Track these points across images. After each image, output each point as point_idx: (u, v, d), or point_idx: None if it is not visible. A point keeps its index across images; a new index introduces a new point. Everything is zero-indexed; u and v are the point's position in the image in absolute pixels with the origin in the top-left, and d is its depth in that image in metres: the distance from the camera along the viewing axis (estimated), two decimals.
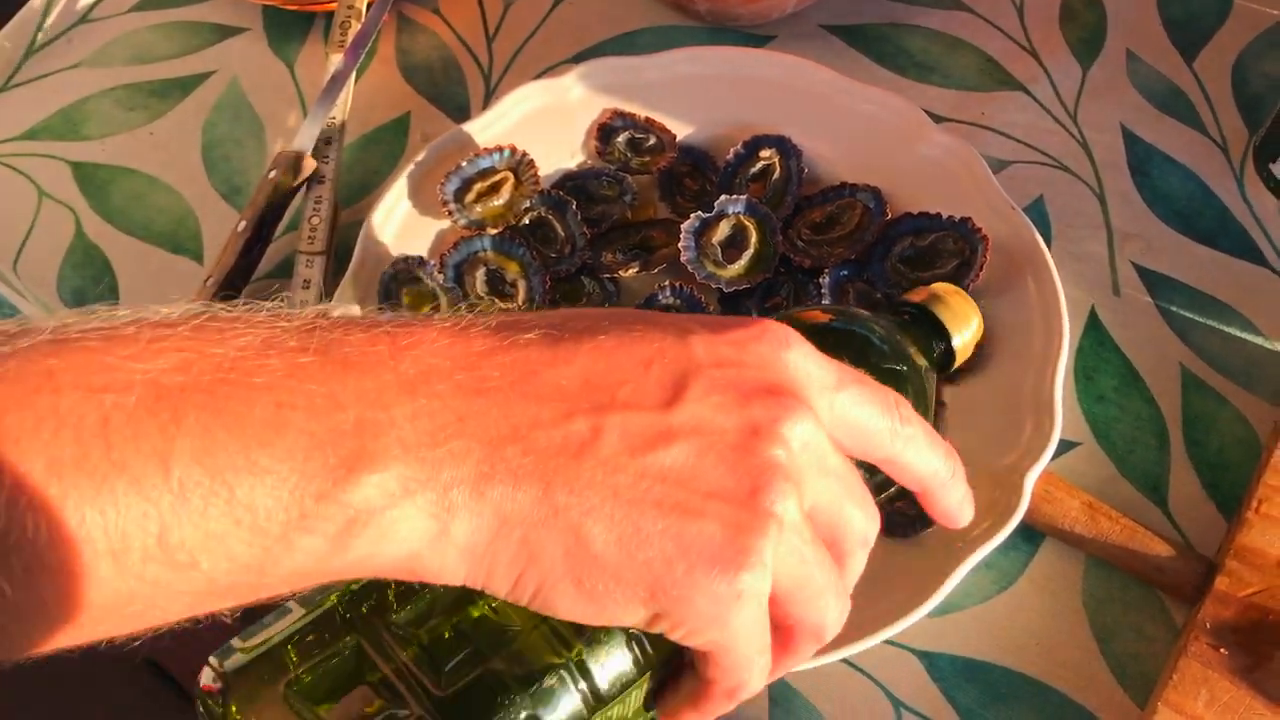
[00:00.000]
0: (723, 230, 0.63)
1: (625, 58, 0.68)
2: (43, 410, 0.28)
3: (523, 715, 0.34)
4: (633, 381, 0.34)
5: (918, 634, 0.54)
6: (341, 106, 0.69)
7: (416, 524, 0.31)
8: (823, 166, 0.66)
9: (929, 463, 0.39)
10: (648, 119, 0.68)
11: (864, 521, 0.37)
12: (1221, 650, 0.51)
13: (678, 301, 0.61)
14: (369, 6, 0.73)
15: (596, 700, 0.36)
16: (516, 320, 0.35)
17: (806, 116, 0.67)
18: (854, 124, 0.66)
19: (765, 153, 0.66)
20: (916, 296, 0.53)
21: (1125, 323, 0.63)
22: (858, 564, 0.38)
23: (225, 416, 0.29)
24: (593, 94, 0.68)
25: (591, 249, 0.64)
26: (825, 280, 0.61)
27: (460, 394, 0.32)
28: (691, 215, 0.62)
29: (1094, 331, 0.62)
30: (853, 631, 0.50)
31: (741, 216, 0.63)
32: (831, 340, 0.43)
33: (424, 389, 0.32)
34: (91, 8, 0.80)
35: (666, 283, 0.61)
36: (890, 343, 0.47)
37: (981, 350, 0.58)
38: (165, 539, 0.29)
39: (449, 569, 0.32)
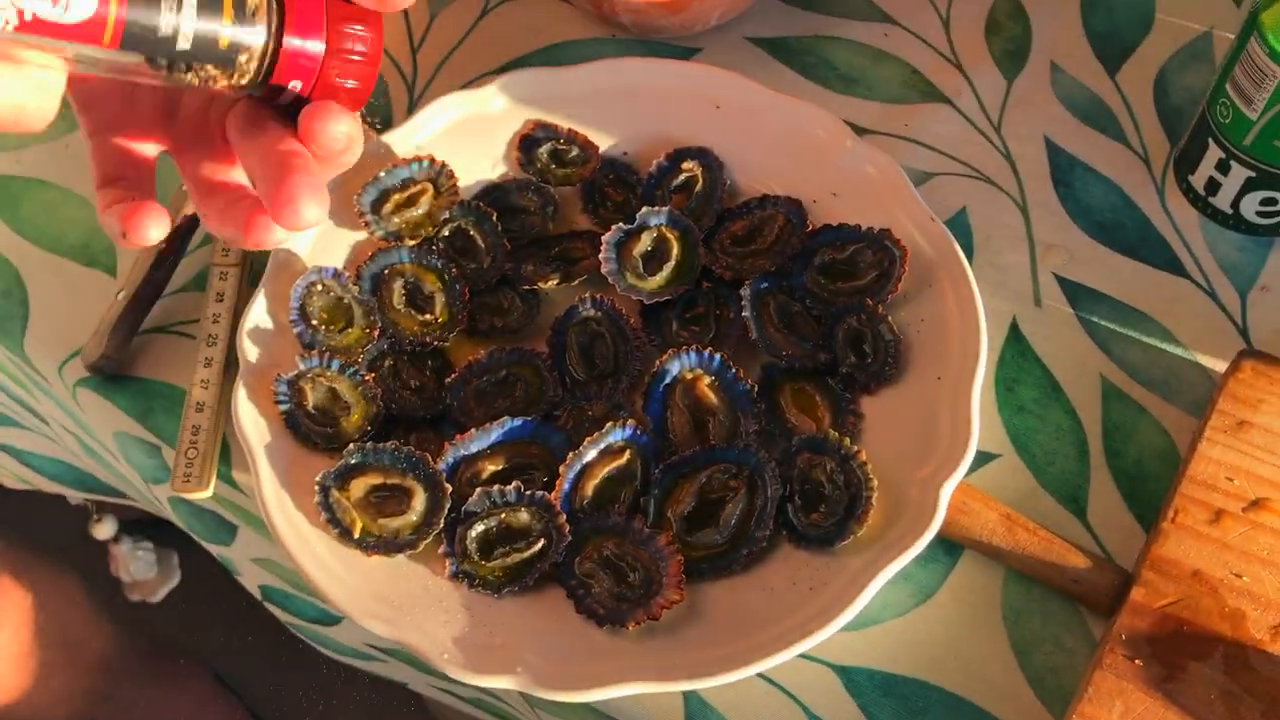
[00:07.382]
0: (644, 242, 0.62)
1: (548, 69, 0.68)
2: None
3: None
4: None
5: (835, 648, 0.54)
6: None
7: None
8: (745, 179, 0.66)
9: None
10: (570, 130, 0.67)
11: None
12: (1136, 662, 0.50)
13: (598, 313, 0.60)
14: None
15: None
16: None
17: (729, 129, 0.66)
18: (777, 136, 0.66)
19: (688, 165, 0.65)
20: None
21: (1046, 334, 0.62)
22: None
23: None
24: (515, 105, 0.67)
25: (512, 260, 0.64)
26: (746, 292, 0.60)
27: None
28: (613, 227, 0.62)
29: (1015, 342, 0.62)
30: (769, 645, 0.50)
31: (663, 228, 0.62)
32: None
33: None
34: None
35: (587, 295, 0.61)
36: None
37: (900, 360, 0.58)
38: None
39: None
